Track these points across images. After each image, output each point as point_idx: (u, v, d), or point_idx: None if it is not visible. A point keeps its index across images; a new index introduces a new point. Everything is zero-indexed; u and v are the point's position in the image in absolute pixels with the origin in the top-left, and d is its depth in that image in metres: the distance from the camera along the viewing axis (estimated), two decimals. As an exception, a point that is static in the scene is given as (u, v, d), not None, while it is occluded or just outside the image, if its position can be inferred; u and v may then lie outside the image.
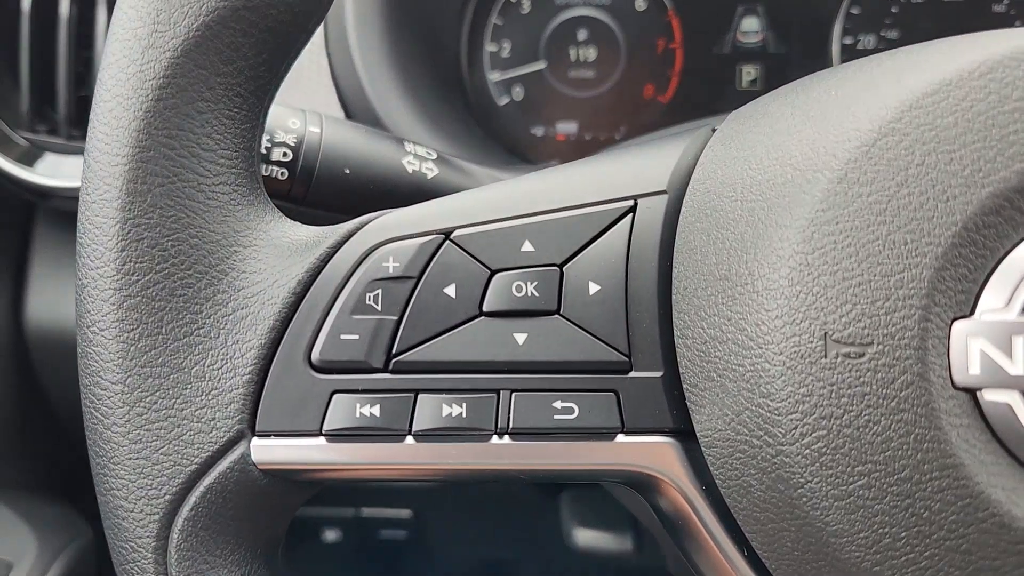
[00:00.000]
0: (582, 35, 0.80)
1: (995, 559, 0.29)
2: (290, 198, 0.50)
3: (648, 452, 0.35)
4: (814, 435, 0.31)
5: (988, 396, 0.30)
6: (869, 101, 0.33)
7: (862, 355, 0.30)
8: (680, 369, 0.34)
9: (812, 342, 0.31)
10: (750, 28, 0.80)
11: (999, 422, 0.30)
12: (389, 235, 0.36)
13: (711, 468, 0.34)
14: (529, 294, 0.35)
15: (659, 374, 0.35)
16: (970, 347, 0.30)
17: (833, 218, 0.31)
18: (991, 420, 0.30)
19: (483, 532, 0.95)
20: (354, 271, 0.35)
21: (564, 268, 0.35)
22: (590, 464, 0.35)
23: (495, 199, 0.36)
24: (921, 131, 0.31)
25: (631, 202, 0.36)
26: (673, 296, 0.35)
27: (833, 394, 0.30)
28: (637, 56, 0.81)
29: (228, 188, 0.35)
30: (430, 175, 0.53)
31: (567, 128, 0.81)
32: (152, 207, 0.34)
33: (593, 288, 0.35)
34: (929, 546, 0.30)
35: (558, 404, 0.34)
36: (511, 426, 0.34)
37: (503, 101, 0.81)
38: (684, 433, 0.35)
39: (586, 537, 0.71)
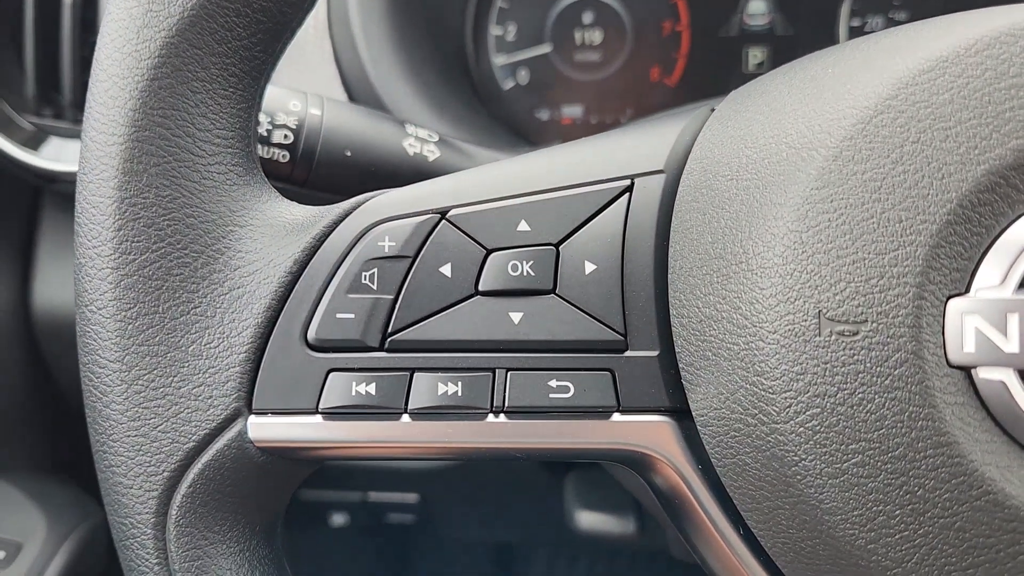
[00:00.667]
0: (587, 18, 0.80)
1: (989, 536, 0.29)
2: (292, 180, 0.51)
3: (644, 431, 0.35)
4: (808, 413, 0.30)
5: (983, 374, 0.30)
6: (865, 79, 0.32)
7: (856, 333, 0.30)
8: (676, 348, 0.34)
9: (806, 320, 0.30)
10: (757, 10, 0.80)
11: (994, 400, 0.30)
12: (385, 215, 0.36)
13: (707, 447, 0.34)
14: (525, 273, 0.35)
15: (655, 353, 0.35)
16: (965, 325, 0.30)
17: (828, 196, 0.31)
18: (986, 398, 0.30)
19: (490, 515, 0.95)
20: (350, 250, 0.35)
21: (560, 247, 0.35)
22: (586, 443, 0.35)
23: (491, 179, 0.36)
24: (917, 108, 0.31)
25: (628, 181, 0.36)
26: (669, 275, 0.35)
27: (827, 372, 0.30)
28: (643, 39, 0.80)
29: (224, 168, 0.35)
30: (431, 157, 0.53)
31: (573, 112, 0.81)
32: (148, 187, 0.34)
33: (589, 267, 0.35)
34: (923, 524, 0.30)
35: (554, 383, 0.34)
36: (507, 405, 0.34)
37: (508, 85, 0.81)
38: (680, 412, 0.35)
39: (589, 520, 0.72)
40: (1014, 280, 0.30)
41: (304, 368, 0.34)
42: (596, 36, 0.80)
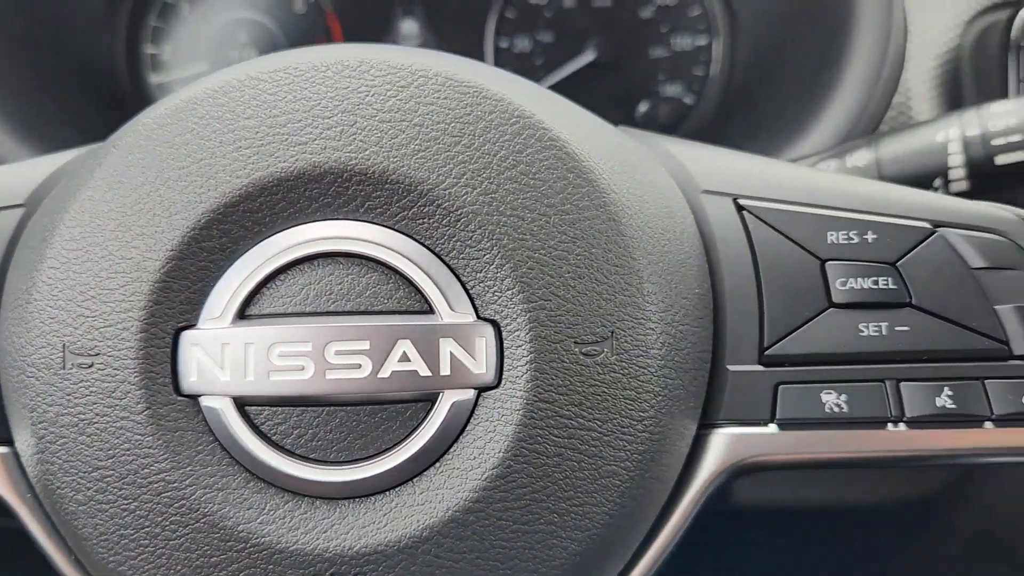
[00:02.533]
0: (242, 37, 0.81)
1: (211, 556, 0.31)
2: None
3: None
4: (58, 444, 0.32)
5: (206, 402, 0.31)
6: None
7: (91, 365, 0.31)
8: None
9: (53, 354, 0.32)
10: (410, 32, 0.82)
11: (216, 426, 0.31)
12: None
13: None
14: None
15: None
16: (192, 356, 0.31)
17: (79, 235, 0.32)
18: (211, 424, 0.31)
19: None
20: None
21: None
22: None
23: None
24: (162, 148, 0.32)
25: None
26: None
27: (69, 402, 0.31)
28: (298, 58, 0.81)
29: None
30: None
31: (232, 130, 0.81)
32: None
33: None
34: (159, 544, 0.31)
35: None
36: None
37: (166, 103, 0.81)
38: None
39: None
40: (230, 313, 0.31)
41: None
42: (251, 55, 0.81)
